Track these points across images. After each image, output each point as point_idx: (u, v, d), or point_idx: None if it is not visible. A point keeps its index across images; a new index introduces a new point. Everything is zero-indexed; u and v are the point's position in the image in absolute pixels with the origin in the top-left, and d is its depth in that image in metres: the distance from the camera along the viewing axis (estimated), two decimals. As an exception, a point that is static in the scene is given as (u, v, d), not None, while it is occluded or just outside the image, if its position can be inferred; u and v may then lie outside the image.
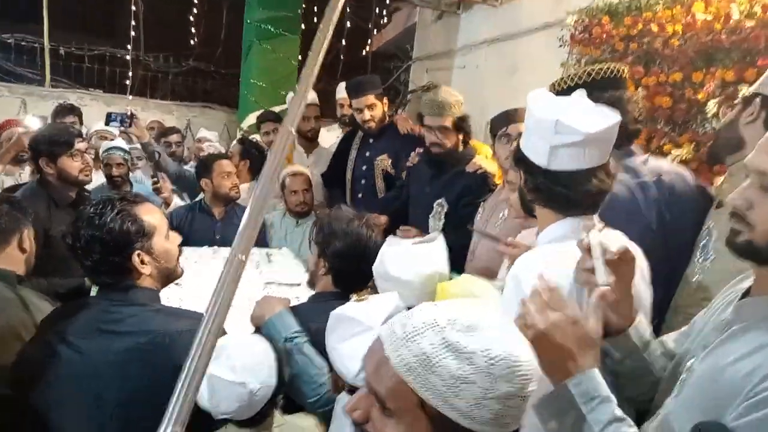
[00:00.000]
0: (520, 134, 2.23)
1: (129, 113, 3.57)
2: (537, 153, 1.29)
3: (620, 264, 1.10)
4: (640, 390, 1.23)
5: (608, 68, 1.90)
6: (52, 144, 2.57)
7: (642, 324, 1.19)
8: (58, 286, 2.33)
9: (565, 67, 3.68)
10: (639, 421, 1.20)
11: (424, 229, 2.80)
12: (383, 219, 2.92)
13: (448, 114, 2.76)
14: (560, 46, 3.64)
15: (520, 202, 1.54)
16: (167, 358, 1.42)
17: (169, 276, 1.65)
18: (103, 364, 1.41)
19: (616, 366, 1.19)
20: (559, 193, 1.30)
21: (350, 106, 3.52)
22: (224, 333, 1.53)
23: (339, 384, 1.39)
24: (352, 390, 1.34)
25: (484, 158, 3.01)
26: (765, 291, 1.01)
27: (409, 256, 1.78)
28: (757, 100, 1.68)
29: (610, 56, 3.31)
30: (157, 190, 3.53)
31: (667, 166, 2.00)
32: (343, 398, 1.45)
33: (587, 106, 1.28)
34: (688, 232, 1.91)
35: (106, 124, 3.62)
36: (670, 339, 1.28)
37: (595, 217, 1.36)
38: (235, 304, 2.32)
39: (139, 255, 1.52)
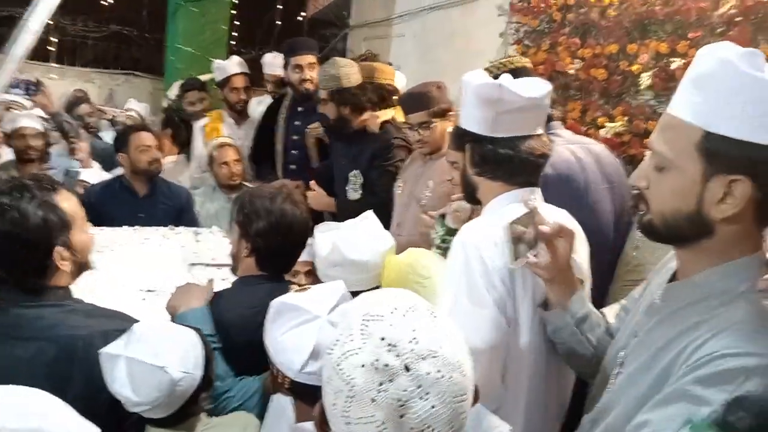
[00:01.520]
0: (421, 123, 2.31)
1: (35, 80, 3.26)
2: (481, 123, 1.36)
3: (554, 240, 1.18)
4: (579, 363, 1.29)
5: (517, 61, 2.16)
6: None
7: (577, 299, 1.24)
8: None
9: (504, 36, 3.64)
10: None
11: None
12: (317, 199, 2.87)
13: (328, 86, 2.75)
14: (500, 15, 3.58)
15: (462, 189, 1.56)
16: (79, 368, 1.30)
17: (82, 269, 1.49)
18: (9, 374, 1.24)
19: (553, 336, 1.29)
20: (504, 157, 1.36)
21: (284, 66, 3.33)
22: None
23: (279, 381, 1.25)
24: (292, 389, 1.23)
25: (389, 112, 2.97)
26: (688, 273, 1.00)
27: (363, 237, 1.78)
28: None
29: (548, 27, 3.29)
30: (72, 150, 3.26)
31: (588, 140, 2.12)
32: (278, 399, 1.34)
33: (521, 80, 1.38)
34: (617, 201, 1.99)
35: (6, 92, 3.29)
36: (611, 313, 1.30)
37: (537, 191, 1.43)
38: (159, 288, 2.18)
39: (59, 252, 1.35)
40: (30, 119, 3.14)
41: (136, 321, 1.45)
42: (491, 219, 1.37)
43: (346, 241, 1.75)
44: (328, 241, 1.79)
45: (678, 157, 0.92)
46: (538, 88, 1.35)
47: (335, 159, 3.01)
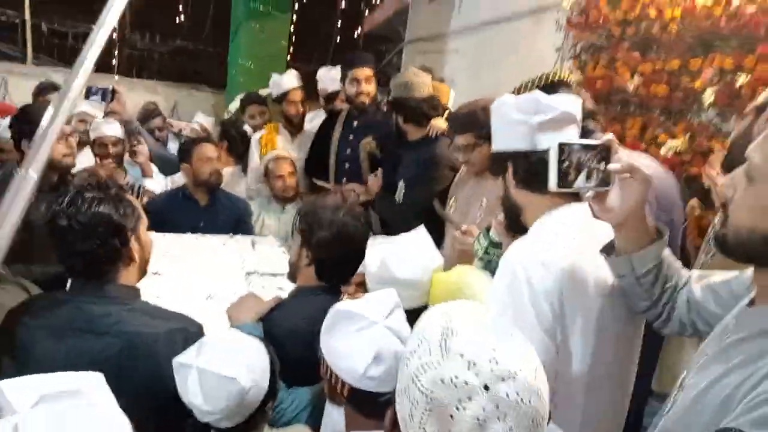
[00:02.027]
0: (467, 145, 2.27)
1: (111, 88, 3.45)
2: (520, 139, 1.35)
3: (626, 180, 1.12)
4: (634, 302, 1.28)
5: (555, 73, 2.12)
6: (34, 126, 2.45)
7: (645, 255, 1.19)
8: (38, 274, 2.24)
9: (561, 51, 3.61)
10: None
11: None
12: (374, 186, 2.97)
13: (398, 93, 2.79)
14: (557, 30, 3.55)
15: (505, 215, 1.54)
16: (144, 365, 1.36)
17: (144, 270, 1.58)
18: (77, 367, 1.32)
19: (614, 275, 1.27)
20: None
21: (342, 79, 3.40)
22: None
23: (337, 390, 1.24)
24: (351, 397, 1.22)
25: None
26: (765, 300, 0.95)
27: (411, 254, 1.76)
28: None
29: (607, 41, 3.24)
30: (133, 153, 3.42)
31: (637, 154, 2.05)
32: (331, 412, 1.35)
33: (554, 95, 1.39)
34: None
35: (86, 97, 3.48)
36: (698, 287, 1.23)
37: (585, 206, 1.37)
38: (221, 295, 2.26)
39: (133, 244, 1.46)
40: (111, 127, 3.31)
41: (198, 323, 1.52)
42: (539, 237, 1.34)
43: (394, 258, 1.74)
44: (377, 257, 1.79)
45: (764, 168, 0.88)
46: (570, 101, 1.36)
47: (386, 170, 3.05)
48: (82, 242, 1.38)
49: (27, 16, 7.23)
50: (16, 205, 0.70)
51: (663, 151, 2.68)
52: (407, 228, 1.91)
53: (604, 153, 1.13)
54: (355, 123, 3.36)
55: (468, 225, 1.98)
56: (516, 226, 1.49)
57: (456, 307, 0.85)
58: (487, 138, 2.31)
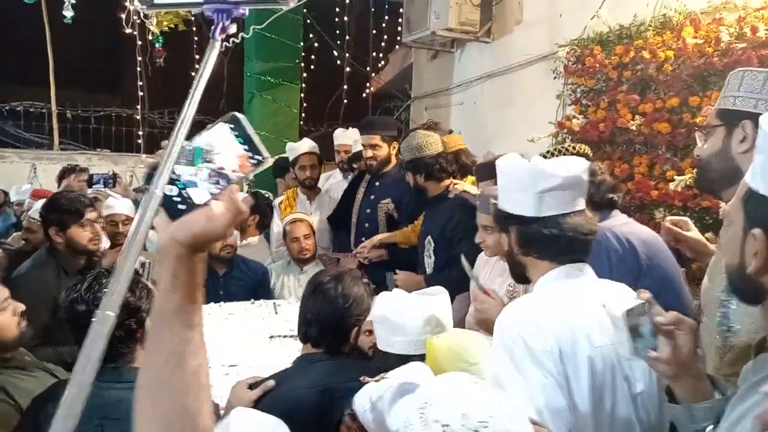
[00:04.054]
0: (485, 226, 2.23)
1: (111, 173, 3.62)
2: (523, 205, 1.38)
3: (673, 332, 1.08)
4: None
5: (572, 147, 2.18)
6: (62, 213, 2.58)
7: (708, 408, 1.09)
8: (66, 355, 2.30)
9: (561, 98, 3.70)
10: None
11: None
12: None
13: (409, 156, 2.92)
14: (555, 77, 3.66)
15: (511, 270, 1.57)
16: None
17: None
18: None
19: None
20: (551, 237, 1.35)
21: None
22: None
23: None
24: None
25: (467, 183, 3.05)
26: None
27: (420, 306, 1.71)
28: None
29: (605, 85, 3.32)
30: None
31: (647, 232, 1.99)
32: None
33: (557, 159, 1.48)
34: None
35: (89, 186, 3.66)
36: None
37: (587, 267, 1.42)
38: (241, 362, 2.29)
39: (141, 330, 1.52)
40: (122, 205, 3.44)
41: (212, 402, 1.54)
42: (535, 298, 1.37)
43: (395, 300, 1.72)
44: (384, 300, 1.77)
45: (732, 210, 0.95)
46: (574, 166, 1.38)
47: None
48: None
49: (53, 104, 7.65)
50: (97, 346, 0.77)
51: (673, 186, 2.70)
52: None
53: (647, 307, 1.12)
54: (377, 183, 3.46)
55: (492, 287, 1.97)
56: (522, 279, 1.52)
57: (432, 381, 0.94)
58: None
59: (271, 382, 1.73)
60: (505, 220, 1.46)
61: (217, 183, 0.75)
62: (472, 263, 2.50)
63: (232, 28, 0.87)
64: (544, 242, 1.37)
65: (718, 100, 1.50)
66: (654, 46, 2.96)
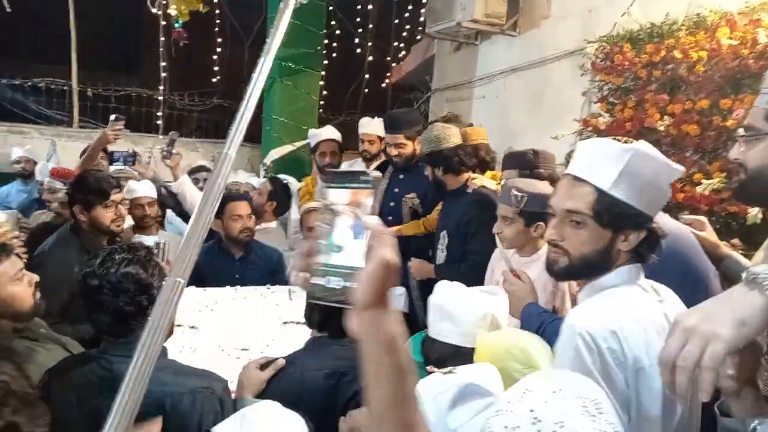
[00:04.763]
0: (504, 217, 2.17)
1: (131, 151, 3.62)
2: (655, 202, 1.26)
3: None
4: None
5: None
6: (87, 193, 2.59)
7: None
8: (84, 332, 2.31)
9: (587, 95, 3.64)
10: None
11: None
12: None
13: (428, 148, 2.89)
14: (582, 74, 3.60)
15: (590, 263, 1.34)
16: (169, 424, 1.38)
17: (172, 328, 1.64)
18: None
19: None
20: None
21: (381, 138, 3.59)
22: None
23: None
24: None
25: (485, 178, 3.02)
26: None
27: (473, 300, 1.68)
28: None
29: (633, 84, 3.26)
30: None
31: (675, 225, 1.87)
32: None
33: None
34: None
35: (110, 164, 3.66)
36: None
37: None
38: (253, 346, 2.29)
39: None
40: (145, 188, 3.45)
41: (223, 380, 1.55)
42: (607, 303, 1.23)
43: (453, 290, 1.70)
44: (442, 288, 1.74)
45: None
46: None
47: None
48: (111, 300, 1.46)
49: (74, 82, 7.69)
50: (165, 313, 0.75)
51: (700, 189, 2.65)
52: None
53: None
54: (401, 176, 3.44)
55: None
56: (569, 276, 1.40)
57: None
58: (523, 215, 2.20)
59: (282, 360, 1.74)
60: (622, 217, 1.25)
61: (360, 237, 0.71)
62: (486, 260, 2.50)
63: None
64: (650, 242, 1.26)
65: (760, 96, 1.33)
66: (686, 45, 2.90)
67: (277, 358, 1.75)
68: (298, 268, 0.72)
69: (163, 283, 0.74)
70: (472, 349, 1.50)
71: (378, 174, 0.75)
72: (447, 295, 1.66)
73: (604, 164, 1.22)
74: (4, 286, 1.72)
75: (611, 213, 1.22)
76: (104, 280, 1.46)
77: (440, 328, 1.60)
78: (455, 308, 1.61)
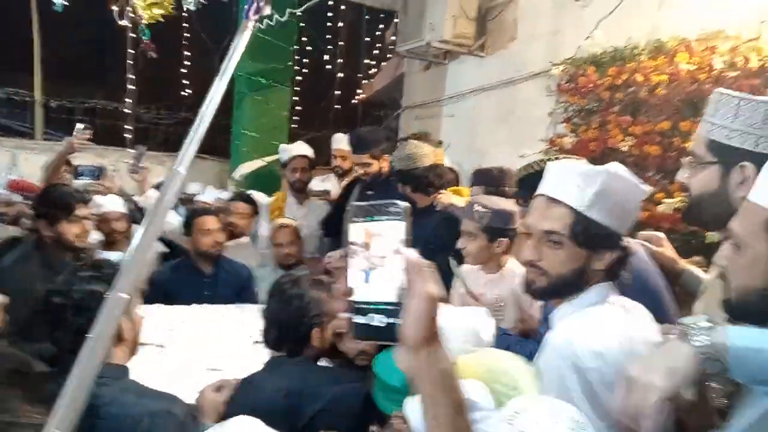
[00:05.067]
0: (469, 233, 2.20)
1: (97, 165, 3.56)
2: (626, 218, 1.29)
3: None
4: None
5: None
6: (52, 207, 2.52)
7: None
8: (44, 351, 2.24)
9: (553, 115, 3.73)
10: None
11: None
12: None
13: (400, 165, 2.90)
14: (548, 95, 3.69)
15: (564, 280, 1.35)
16: None
17: (135, 348, 1.60)
18: None
19: None
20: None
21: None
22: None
23: None
24: None
25: (454, 196, 3.04)
26: None
27: (460, 318, 1.64)
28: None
29: (597, 105, 3.36)
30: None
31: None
32: None
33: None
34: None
35: (76, 178, 3.59)
36: None
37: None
38: (223, 367, 2.25)
39: (125, 319, 1.49)
40: (113, 203, 3.38)
41: (185, 404, 1.51)
42: (588, 321, 1.22)
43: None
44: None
45: (747, 236, 0.98)
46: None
47: None
48: (74, 318, 1.43)
49: (37, 93, 7.51)
50: (107, 329, 0.74)
51: (661, 209, 2.74)
52: None
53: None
54: (369, 192, 3.44)
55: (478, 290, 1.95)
56: (553, 294, 1.37)
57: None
58: (486, 231, 2.25)
59: (235, 380, 1.73)
60: (599, 237, 1.27)
61: (387, 270, 0.70)
62: (450, 278, 2.52)
63: (267, 10, 0.86)
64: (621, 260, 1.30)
65: (702, 123, 1.36)
66: (647, 69, 3.01)
67: (232, 380, 1.73)
68: (341, 310, 0.75)
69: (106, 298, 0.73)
70: None
71: (407, 204, 0.74)
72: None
73: (578, 185, 1.25)
74: None
75: (588, 233, 1.24)
76: (68, 298, 1.43)
77: None
78: (442, 324, 1.58)
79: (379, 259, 0.70)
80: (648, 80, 2.99)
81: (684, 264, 1.86)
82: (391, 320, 0.68)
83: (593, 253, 1.27)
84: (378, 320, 0.69)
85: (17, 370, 1.39)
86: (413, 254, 0.70)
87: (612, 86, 3.22)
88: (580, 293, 1.29)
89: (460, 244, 2.24)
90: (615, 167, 1.27)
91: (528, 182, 1.93)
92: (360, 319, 0.71)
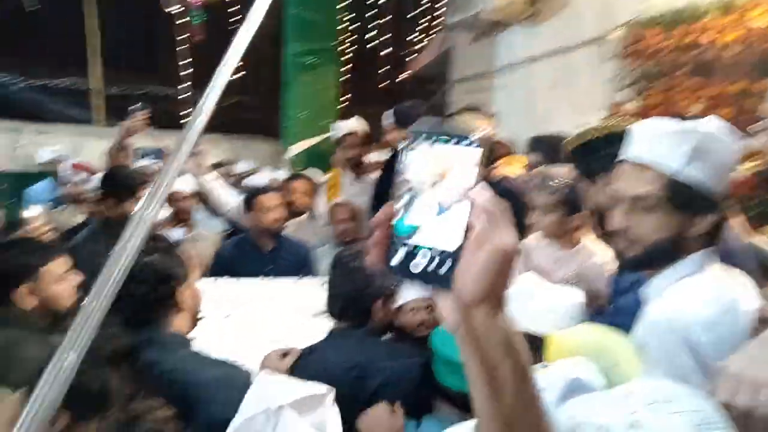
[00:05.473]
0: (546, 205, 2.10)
1: (159, 147, 3.66)
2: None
3: None
4: None
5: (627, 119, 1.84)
6: (118, 188, 2.62)
7: None
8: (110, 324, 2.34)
9: (613, 81, 3.60)
10: None
11: None
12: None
13: None
14: (607, 60, 3.56)
15: (652, 254, 1.24)
16: (189, 414, 1.37)
17: (195, 319, 1.66)
18: None
19: None
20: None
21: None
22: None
23: None
24: None
25: (508, 167, 2.98)
26: None
27: (564, 293, 1.64)
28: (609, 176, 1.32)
29: (663, 68, 3.21)
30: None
31: None
32: None
33: None
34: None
35: (138, 159, 3.70)
36: None
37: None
38: (283, 339, 2.30)
39: (183, 290, 1.56)
40: (182, 182, 3.48)
41: (245, 371, 1.54)
42: (692, 291, 1.14)
43: (541, 281, 1.66)
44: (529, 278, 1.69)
45: None
46: None
47: None
48: (132, 289, 1.47)
49: (96, 82, 7.78)
50: (109, 286, 0.73)
51: (742, 171, 2.60)
52: None
53: None
54: None
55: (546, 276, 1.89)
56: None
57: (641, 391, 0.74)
58: (563, 205, 2.12)
59: (301, 348, 1.76)
60: (695, 199, 1.18)
61: (450, 208, 0.57)
62: None
63: None
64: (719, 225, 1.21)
65: None
66: (716, 29, 2.85)
67: (296, 348, 1.76)
68: (374, 243, 0.60)
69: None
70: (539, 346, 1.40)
71: (488, 132, 0.59)
72: (534, 284, 1.61)
73: (670, 144, 1.15)
74: (49, 285, 1.75)
75: (684, 195, 1.15)
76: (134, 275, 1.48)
77: (527, 317, 1.50)
78: (546, 298, 1.55)
79: (442, 193, 0.57)
80: (717, 40, 2.83)
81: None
82: (442, 270, 0.56)
83: (689, 218, 1.16)
84: (422, 264, 0.57)
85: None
86: (487, 193, 0.55)
87: (677, 48, 3.07)
88: (675, 263, 1.19)
89: (532, 218, 2.14)
90: (710, 121, 1.16)
91: (583, 151, 1.85)
92: (399, 257, 0.59)
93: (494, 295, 0.55)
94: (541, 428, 0.58)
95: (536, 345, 1.37)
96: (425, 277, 0.57)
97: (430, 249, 0.57)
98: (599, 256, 2.01)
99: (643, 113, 3.18)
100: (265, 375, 1.22)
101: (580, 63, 4.09)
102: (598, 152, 1.74)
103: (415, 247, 0.58)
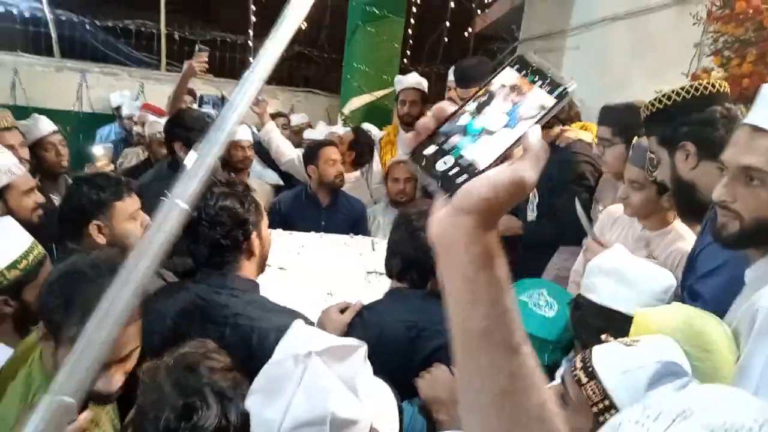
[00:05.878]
0: (602, 139, 2.06)
1: (220, 96, 3.67)
2: None
3: None
4: None
5: (710, 84, 1.71)
6: (189, 130, 2.66)
7: None
8: (177, 265, 2.40)
9: (699, 47, 3.34)
10: None
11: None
12: None
13: None
14: (694, 23, 3.29)
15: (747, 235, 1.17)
16: (254, 359, 1.35)
17: (264, 266, 1.67)
18: None
19: None
20: None
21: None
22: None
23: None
24: None
25: (581, 131, 2.85)
26: None
27: (654, 268, 1.57)
28: (688, 145, 1.51)
29: (755, 35, 2.95)
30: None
31: None
32: None
33: None
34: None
35: (199, 106, 3.73)
36: None
37: None
38: (337, 292, 2.31)
39: (254, 237, 1.57)
40: (243, 131, 3.50)
41: (310, 321, 1.54)
42: None
43: (629, 255, 1.60)
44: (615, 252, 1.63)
45: None
46: None
47: None
48: (208, 232, 1.49)
49: (162, 25, 7.88)
50: (159, 235, 0.71)
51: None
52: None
53: None
54: None
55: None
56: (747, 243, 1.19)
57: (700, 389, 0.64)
58: (622, 136, 2.17)
59: (361, 302, 1.76)
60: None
61: (506, 134, 0.58)
62: (575, 218, 2.35)
63: None
64: None
65: None
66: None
67: (356, 304, 1.76)
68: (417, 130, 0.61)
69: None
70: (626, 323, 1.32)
71: (574, 87, 0.62)
72: (625, 260, 1.54)
73: None
74: (121, 222, 1.80)
75: None
76: (203, 213, 1.49)
77: (615, 295, 1.45)
78: (638, 276, 1.47)
79: (500, 115, 0.60)
80: (826, 5, 2.56)
81: None
82: (460, 179, 0.57)
83: None
84: (454, 166, 0.58)
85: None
86: (539, 134, 0.58)
87: (774, 13, 2.80)
88: None
89: (622, 193, 2.00)
90: None
91: (655, 120, 1.72)
92: (443, 165, 0.59)
93: (489, 211, 0.57)
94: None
95: (622, 322, 1.32)
96: (441, 177, 0.59)
97: (461, 156, 0.59)
98: (688, 241, 1.85)
99: (728, 84, 2.94)
100: (299, 323, 1.21)
101: (661, 25, 3.82)
102: (678, 119, 1.62)
103: (454, 147, 0.60)
